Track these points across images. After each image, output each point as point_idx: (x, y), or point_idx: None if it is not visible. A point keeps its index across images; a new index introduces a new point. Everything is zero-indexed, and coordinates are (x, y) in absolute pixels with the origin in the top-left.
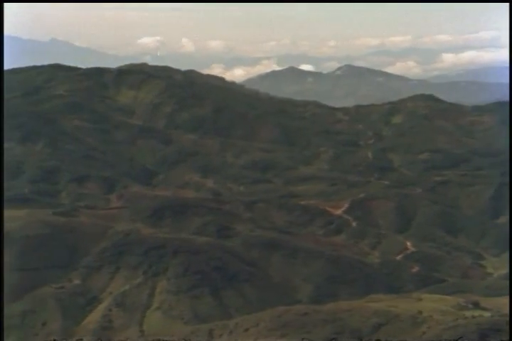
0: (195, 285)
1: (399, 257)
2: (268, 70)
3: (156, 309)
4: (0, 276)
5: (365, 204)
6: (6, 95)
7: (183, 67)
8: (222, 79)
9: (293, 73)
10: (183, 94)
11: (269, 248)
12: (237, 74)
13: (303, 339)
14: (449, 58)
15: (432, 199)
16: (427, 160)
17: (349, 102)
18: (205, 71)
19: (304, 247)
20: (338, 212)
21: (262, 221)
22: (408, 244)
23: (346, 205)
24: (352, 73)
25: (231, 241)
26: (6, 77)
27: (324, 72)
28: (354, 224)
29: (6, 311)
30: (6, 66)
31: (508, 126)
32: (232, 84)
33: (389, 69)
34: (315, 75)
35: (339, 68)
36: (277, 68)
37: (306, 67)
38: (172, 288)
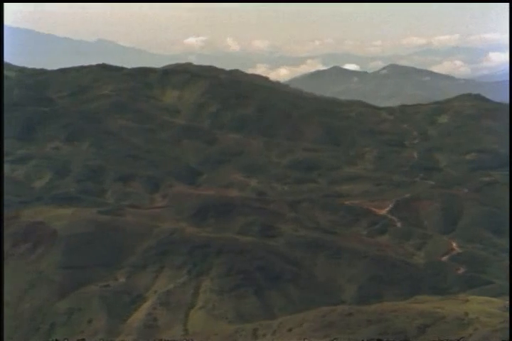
0: (238, 284)
1: (444, 258)
2: (313, 70)
3: (199, 308)
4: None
5: (410, 205)
6: (54, 95)
7: (228, 67)
8: (266, 78)
9: (337, 73)
10: (227, 93)
11: (313, 248)
12: (281, 74)
13: (348, 339)
14: (496, 57)
15: (479, 199)
16: (473, 161)
17: (394, 102)
18: (250, 70)
19: (348, 247)
20: (383, 212)
21: (306, 221)
22: (454, 244)
23: (391, 205)
24: (397, 72)
25: (275, 241)
26: (54, 76)
27: (369, 71)
28: (399, 224)
29: (53, 308)
30: (56, 66)
31: None
32: (277, 83)
33: (435, 69)
34: (360, 75)
35: (384, 67)
36: (322, 68)
37: (350, 66)
38: (216, 288)
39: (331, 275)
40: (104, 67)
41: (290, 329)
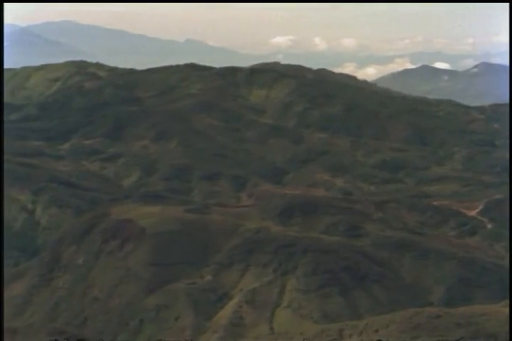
0: (324, 284)
1: None
2: (401, 68)
3: (285, 307)
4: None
5: (501, 206)
6: (143, 94)
7: (315, 66)
8: (354, 77)
9: (427, 71)
10: (314, 92)
11: (400, 248)
12: (369, 73)
13: None
14: None
15: None
16: None
17: (485, 101)
18: (337, 69)
19: (436, 248)
20: (473, 213)
21: (392, 221)
22: None
23: (481, 206)
24: (489, 71)
25: (361, 241)
26: (143, 76)
27: (460, 70)
28: (489, 225)
29: (142, 305)
30: (146, 66)
31: None
32: (364, 82)
33: None
34: (450, 73)
35: (476, 66)
36: (411, 66)
37: (440, 65)
38: (301, 287)
39: (418, 277)
40: (192, 67)
41: (376, 331)
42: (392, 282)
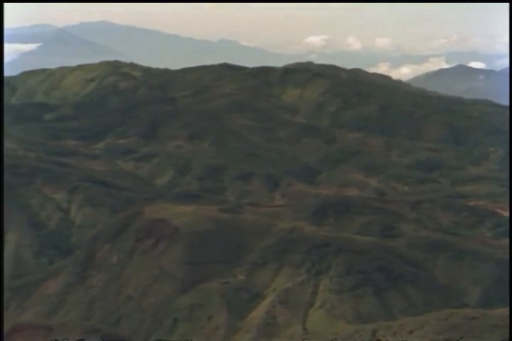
0: (358, 284)
1: None
2: (436, 68)
3: (318, 307)
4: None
5: None
6: (177, 94)
7: (349, 66)
8: (388, 77)
9: (462, 71)
10: (348, 92)
11: (434, 249)
12: (403, 73)
13: None
14: None
15: None
16: None
17: None
18: (371, 69)
19: (472, 249)
20: (508, 213)
21: (427, 221)
22: None
23: None
24: None
25: (395, 242)
26: (177, 76)
27: (496, 69)
28: None
29: (175, 303)
30: (179, 66)
31: None
32: (399, 82)
33: None
34: (486, 73)
35: None
36: (446, 66)
37: (476, 64)
38: (335, 287)
39: (453, 278)
40: (225, 67)
41: (411, 332)
42: (426, 283)
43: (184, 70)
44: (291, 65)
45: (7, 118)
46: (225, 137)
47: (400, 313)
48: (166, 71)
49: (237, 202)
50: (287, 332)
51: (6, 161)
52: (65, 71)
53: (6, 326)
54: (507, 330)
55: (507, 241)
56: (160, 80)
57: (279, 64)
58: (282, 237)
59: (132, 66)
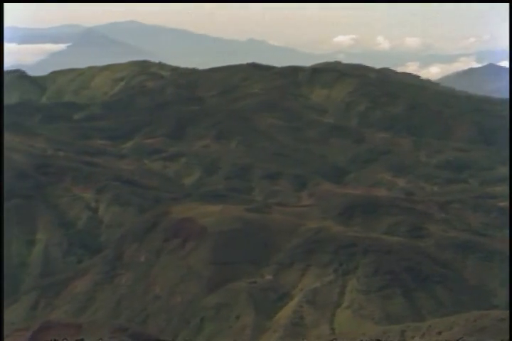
0: (386, 285)
1: None
2: (466, 67)
3: (346, 307)
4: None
5: None
6: (204, 94)
7: (378, 65)
8: (417, 77)
9: (492, 70)
10: (376, 92)
11: (463, 250)
12: (433, 72)
13: None
14: None
15: None
16: None
17: None
18: (400, 69)
19: (501, 250)
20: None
21: (456, 222)
22: None
23: None
24: None
25: (423, 242)
26: (205, 76)
27: None
28: None
29: (203, 303)
30: (208, 65)
31: None
32: (428, 82)
33: None
34: None
35: None
36: (476, 65)
37: (507, 63)
38: (362, 287)
39: (483, 279)
40: (254, 66)
41: (440, 333)
42: (455, 284)
43: (212, 70)
44: (319, 64)
45: (37, 117)
46: (252, 137)
47: (429, 314)
48: (194, 71)
49: (264, 202)
50: (314, 332)
51: (35, 161)
52: (93, 71)
53: (36, 324)
54: None
55: None
56: (188, 80)
57: (307, 63)
58: (310, 237)
59: (160, 66)
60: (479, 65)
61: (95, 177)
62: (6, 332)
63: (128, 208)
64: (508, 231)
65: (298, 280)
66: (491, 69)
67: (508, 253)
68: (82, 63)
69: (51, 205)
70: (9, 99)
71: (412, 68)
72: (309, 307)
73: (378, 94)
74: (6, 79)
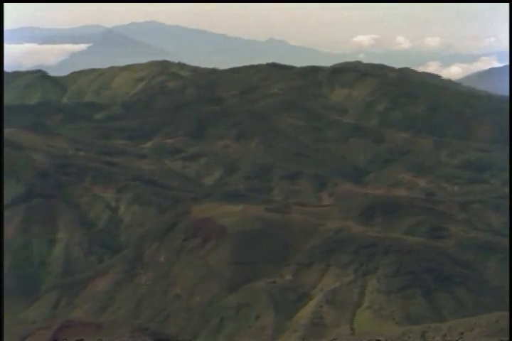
0: (406, 285)
1: None
2: (487, 67)
3: (366, 308)
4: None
5: None
6: (224, 94)
7: (398, 65)
8: (437, 76)
9: None
10: (396, 92)
11: (484, 250)
12: (453, 72)
13: None
14: None
15: None
16: None
17: None
18: (421, 68)
19: None
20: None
21: (477, 222)
22: None
23: None
24: None
25: (444, 242)
26: (225, 76)
27: None
28: None
29: (222, 303)
30: (227, 65)
31: None
32: (448, 81)
33: None
34: None
35: None
36: (497, 65)
37: None
38: (383, 288)
39: (504, 280)
40: (273, 66)
41: (461, 333)
42: (476, 284)
43: (232, 70)
44: (339, 64)
45: (58, 118)
46: (272, 137)
47: (450, 315)
48: (214, 71)
49: (284, 202)
50: (335, 332)
51: (56, 160)
52: (114, 71)
53: (57, 323)
54: None
55: None
56: (208, 80)
57: (327, 63)
58: (330, 237)
59: (180, 66)
60: (500, 65)
61: (115, 177)
62: (27, 330)
63: (148, 208)
64: None
65: (318, 281)
66: None
67: None
68: (102, 63)
69: (72, 205)
70: (30, 99)
71: (432, 68)
72: (329, 307)
73: (398, 94)
74: (28, 79)
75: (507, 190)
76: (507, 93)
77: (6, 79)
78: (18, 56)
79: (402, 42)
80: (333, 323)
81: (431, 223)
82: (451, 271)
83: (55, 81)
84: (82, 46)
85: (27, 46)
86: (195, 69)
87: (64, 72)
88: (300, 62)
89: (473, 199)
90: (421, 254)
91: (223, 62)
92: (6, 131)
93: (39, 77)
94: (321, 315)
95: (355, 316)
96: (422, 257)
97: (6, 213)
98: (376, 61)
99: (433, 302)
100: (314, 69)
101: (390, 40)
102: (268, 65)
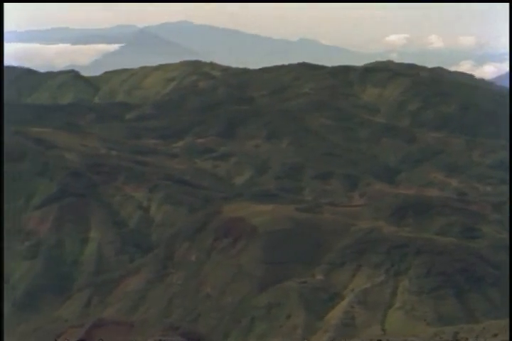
0: (438, 286)
1: None
2: None
3: (397, 308)
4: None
5: None
6: (255, 93)
7: (430, 65)
8: (470, 76)
9: None
10: (428, 91)
11: None
12: (487, 71)
13: None
14: None
15: None
16: None
17: None
18: (453, 68)
19: None
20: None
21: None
22: None
23: None
24: None
25: (476, 243)
26: (256, 76)
27: None
28: None
29: (253, 302)
30: (258, 65)
31: None
32: (481, 81)
33: None
34: None
35: None
36: None
37: None
38: (414, 288)
39: None
40: (305, 66)
41: (495, 335)
42: (509, 286)
43: (263, 70)
44: (371, 63)
45: (90, 117)
46: (303, 136)
47: (483, 316)
48: (245, 70)
49: (315, 202)
50: (366, 332)
51: (88, 160)
52: (146, 71)
53: (89, 321)
54: None
55: None
56: (239, 80)
57: (359, 63)
58: (361, 237)
59: (212, 66)
60: None
61: (147, 176)
62: (60, 328)
63: (179, 207)
64: None
65: (349, 281)
66: None
67: None
68: (134, 63)
69: (104, 204)
70: (63, 99)
71: (465, 67)
72: (360, 307)
73: (430, 93)
74: (61, 79)
75: None
76: None
77: (39, 79)
78: (52, 56)
79: (435, 41)
80: (364, 324)
81: (463, 223)
82: (483, 272)
83: (88, 81)
84: (115, 46)
85: (60, 46)
86: (227, 69)
87: (96, 72)
88: (331, 61)
89: (506, 199)
90: (453, 255)
91: (254, 61)
92: (39, 130)
93: (72, 77)
94: (352, 316)
95: (387, 317)
96: (454, 258)
97: (39, 212)
98: (408, 61)
99: (465, 303)
100: (346, 69)
101: (423, 39)
102: (299, 64)
